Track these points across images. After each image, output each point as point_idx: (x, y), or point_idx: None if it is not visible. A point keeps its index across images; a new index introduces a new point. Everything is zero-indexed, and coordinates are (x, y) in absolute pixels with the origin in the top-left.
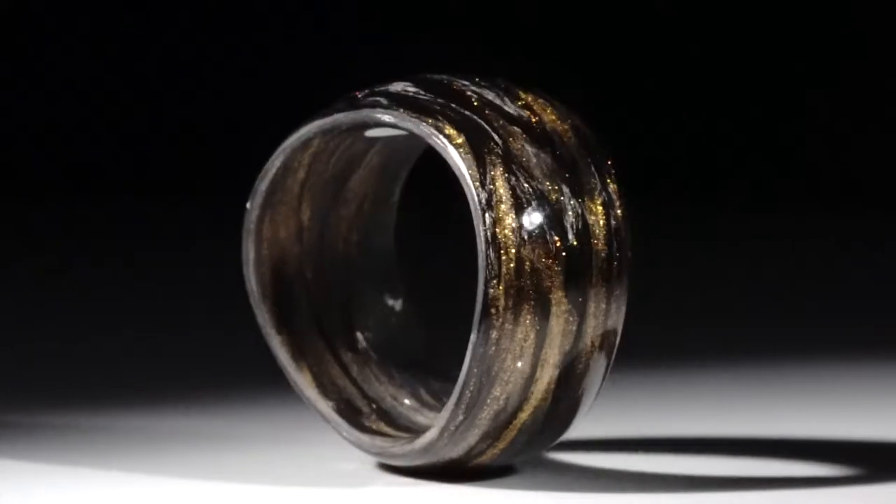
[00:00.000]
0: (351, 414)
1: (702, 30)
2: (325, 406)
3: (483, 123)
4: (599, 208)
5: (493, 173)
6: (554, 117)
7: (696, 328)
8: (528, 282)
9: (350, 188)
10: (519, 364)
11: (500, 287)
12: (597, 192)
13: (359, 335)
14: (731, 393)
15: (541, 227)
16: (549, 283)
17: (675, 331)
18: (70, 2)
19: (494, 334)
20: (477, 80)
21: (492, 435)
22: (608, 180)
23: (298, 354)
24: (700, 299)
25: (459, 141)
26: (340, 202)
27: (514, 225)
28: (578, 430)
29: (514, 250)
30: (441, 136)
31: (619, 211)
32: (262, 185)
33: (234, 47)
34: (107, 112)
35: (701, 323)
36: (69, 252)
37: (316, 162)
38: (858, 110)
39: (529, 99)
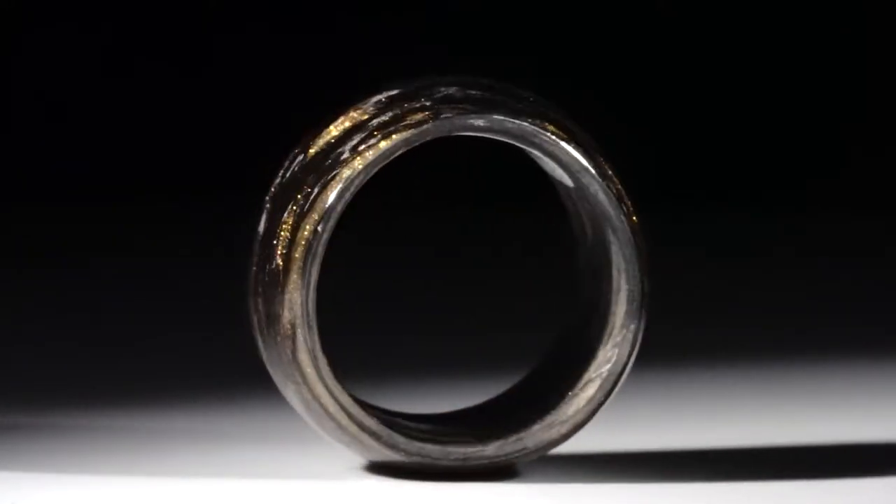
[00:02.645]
0: (397, 427)
1: (702, 30)
2: (373, 423)
3: (559, 118)
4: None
5: (606, 167)
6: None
7: (696, 329)
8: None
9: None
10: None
11: (647, 278)
12: None
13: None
14: (732, 394)
15: (639, 215)
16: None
17: (675, 331)
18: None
19: (643, 323)
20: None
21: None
22: None
23: (340, 375)
24: (699, 301)
25: (563, 133)
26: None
27: (636, 216)
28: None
29: (642, 241)
30: (550, 135)
31: None
32: (339, 205)
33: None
34: (111, 112)
35: (701, 323)
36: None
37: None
38: (858, 112)
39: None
